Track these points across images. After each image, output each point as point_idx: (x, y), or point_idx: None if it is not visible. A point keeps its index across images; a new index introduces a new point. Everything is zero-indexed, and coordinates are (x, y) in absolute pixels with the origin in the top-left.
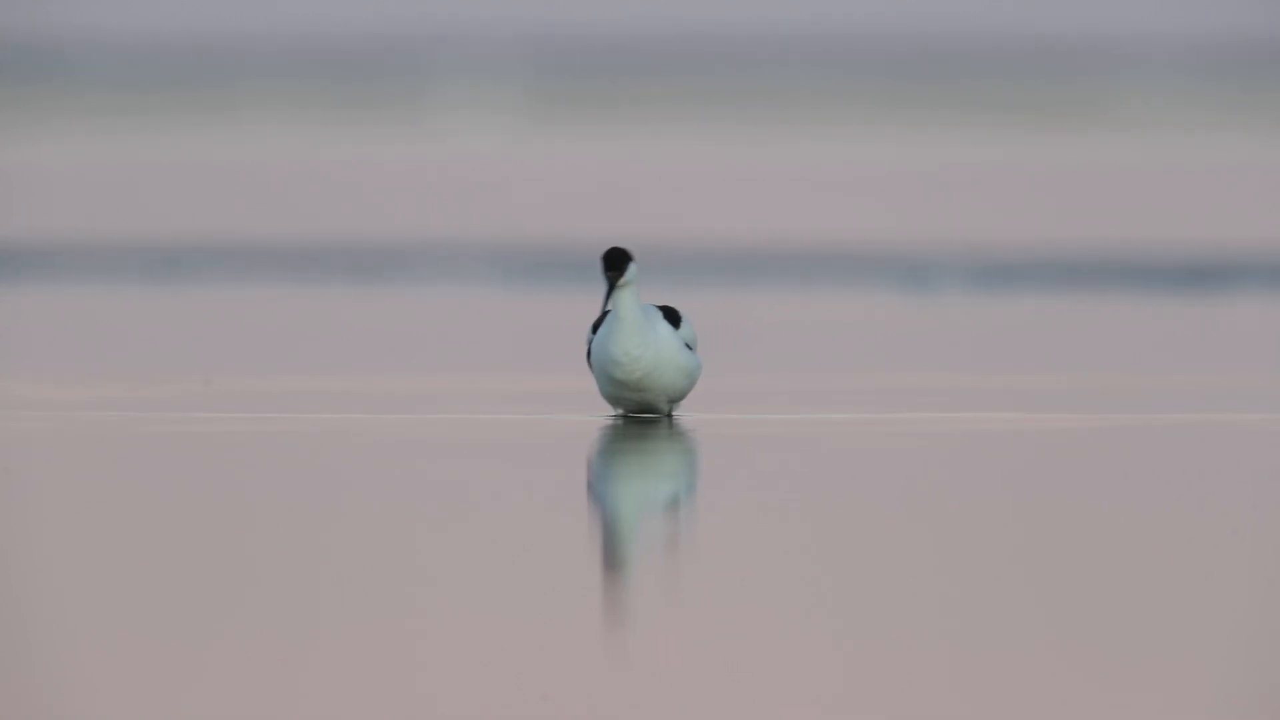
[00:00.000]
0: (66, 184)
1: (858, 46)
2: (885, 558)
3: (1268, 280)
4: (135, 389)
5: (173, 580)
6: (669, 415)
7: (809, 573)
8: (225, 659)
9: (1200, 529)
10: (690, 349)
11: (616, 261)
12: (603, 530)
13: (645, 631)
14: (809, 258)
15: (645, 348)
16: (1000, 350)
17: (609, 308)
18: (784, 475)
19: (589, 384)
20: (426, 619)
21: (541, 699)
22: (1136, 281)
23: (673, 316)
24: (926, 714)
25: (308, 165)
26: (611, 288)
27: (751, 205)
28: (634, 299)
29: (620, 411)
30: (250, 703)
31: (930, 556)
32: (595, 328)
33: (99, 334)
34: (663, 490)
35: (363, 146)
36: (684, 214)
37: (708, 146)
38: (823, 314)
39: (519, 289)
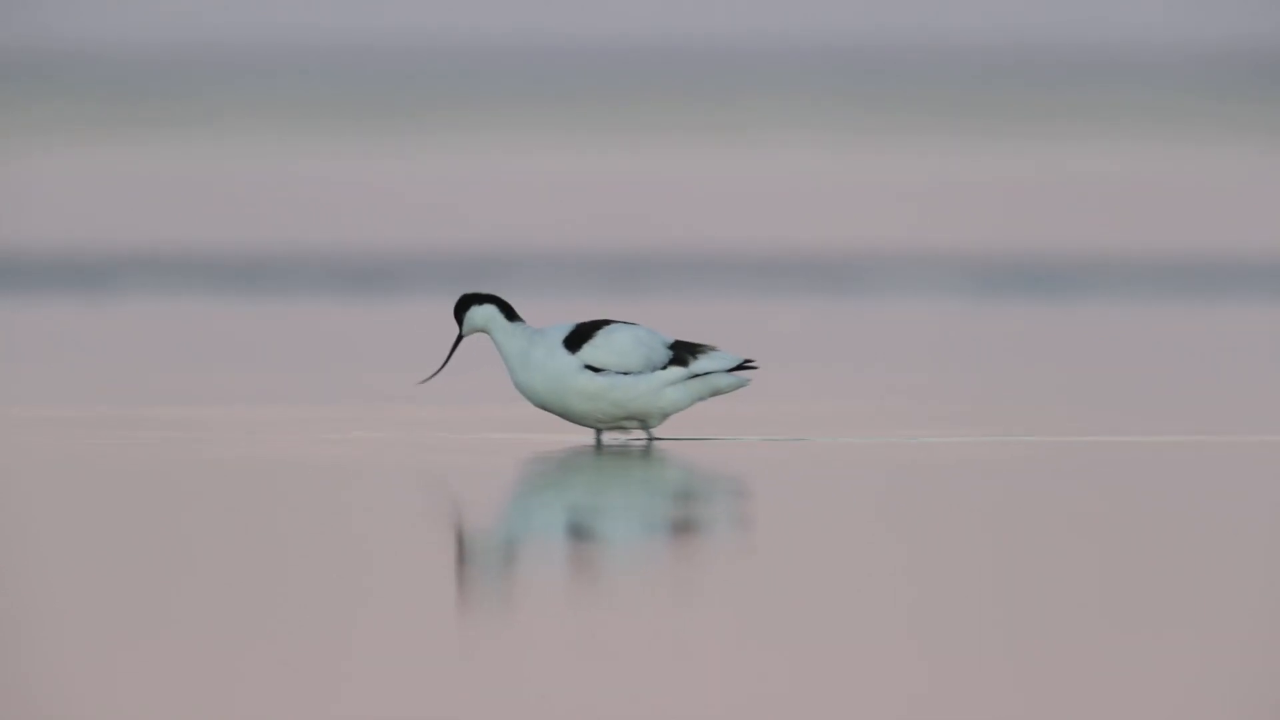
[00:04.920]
0: (66, 193)
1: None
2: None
3: None
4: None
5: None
6: (597, 436)
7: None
8: (238, 667)
9: None
10: (598, 369)
11: (456, 312)
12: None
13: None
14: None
15: (531, 379)
16: None
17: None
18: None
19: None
20: (430, 623)
21: (540, 698)
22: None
23: (584, 335)
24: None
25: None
26: (458, 339)
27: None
28: (511, 335)
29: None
30: (253, 707)
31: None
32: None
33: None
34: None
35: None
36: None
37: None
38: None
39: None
